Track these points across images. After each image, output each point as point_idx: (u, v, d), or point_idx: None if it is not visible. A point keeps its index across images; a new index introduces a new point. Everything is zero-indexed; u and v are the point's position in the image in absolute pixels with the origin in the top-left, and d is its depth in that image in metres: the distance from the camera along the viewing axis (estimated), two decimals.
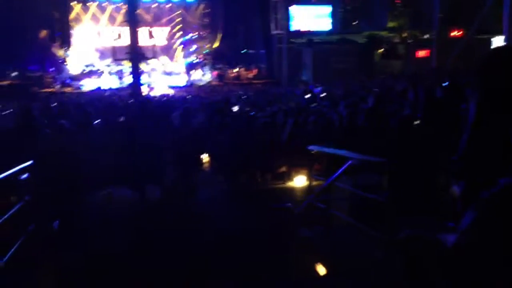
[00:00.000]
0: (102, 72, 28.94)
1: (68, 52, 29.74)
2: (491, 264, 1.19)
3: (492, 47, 27.90)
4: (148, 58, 16.64)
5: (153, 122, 9.06)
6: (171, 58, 33.56)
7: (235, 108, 14.21)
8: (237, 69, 30.49)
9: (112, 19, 31.49)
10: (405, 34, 31.43)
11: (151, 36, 26.28)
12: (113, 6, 31.06)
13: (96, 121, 10.81)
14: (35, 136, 6.95)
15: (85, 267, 4.40)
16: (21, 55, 25.97)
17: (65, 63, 29.35)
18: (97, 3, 30.81)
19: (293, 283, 4.18)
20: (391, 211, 3.45)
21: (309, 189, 5.14)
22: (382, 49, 30.81)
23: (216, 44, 32.80)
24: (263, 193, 7.28)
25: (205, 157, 10.15)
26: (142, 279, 4.33)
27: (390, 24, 30.78)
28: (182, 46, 34.14)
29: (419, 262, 2.22)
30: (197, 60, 32.52)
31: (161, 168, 7.31)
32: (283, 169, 7.88)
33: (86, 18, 31.18)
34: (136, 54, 13.26)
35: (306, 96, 16.25)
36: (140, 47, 14.50)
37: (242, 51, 32.22)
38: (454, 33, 28.83)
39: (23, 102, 16.78)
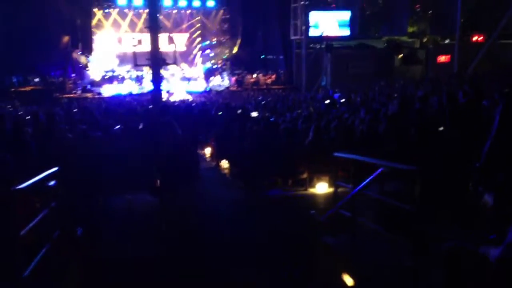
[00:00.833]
0: (123, 77, 29.28)
1: (90, 58, 30.17)
2: None
3: None
4: (168, 64, 16.72)
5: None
6: (190, 64, 33.81)
7: (254, 114, 14.19)
8: (255, 75, 30.54)
9: (132, 25, 31.89)
10: (425, 39, 31.11)
11: (170, 41, 26.45)
12: (133, 12, 31.44)
13: (117, 127, 10.90)
14: (58, 142, 7.00)
15: (109, 274, 4.40)
16: (44, 61, 26.41)
17: (86, 69, 29.79)
18: (118, 9, 31.22)
19: None
20: (422, 220, 3.36)
21: (333, 196, 5.06)
22: (402, 54, 30.53)
23: (235, 50, 32.91)
24: (285, 200, 7.20)
25: (225, 163, 10.15)
26: (166, 286, 4.31)
27: (410, 29, 30.50)
28: (201, 52, 34.36)
29: (461, 274, 2.15)
30: (216, 66, 32.68)
31: (180, 174, 7.28)
32: (305, 175, 7.79)
33: (107, 24, 31.64)
34: (156, 60, 13.31)
35: (326, 102, 16.14)
36: (161, 53, 14.55)
37: (261, 57, 32.26)
38: (476, 38, 28.41)
39: (46, 107, 17.06)
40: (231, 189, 8.48)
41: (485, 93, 8.43)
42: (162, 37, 15.82)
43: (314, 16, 27.52)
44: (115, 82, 28.74)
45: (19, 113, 13.57)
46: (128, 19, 31.85)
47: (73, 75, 28.70)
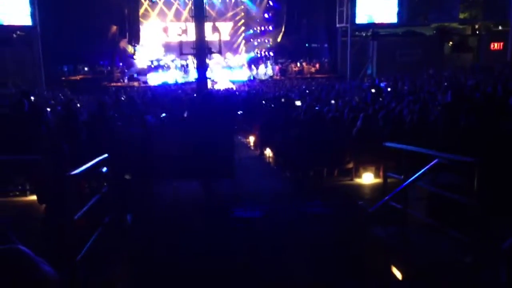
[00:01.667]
0: (168, 66, 29.71)
1: (136, 47, 30.78)
2: None
3: None
4: (213, 52, 16.84)
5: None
6: (234, 52, 33.88)
7: (298, 103, 14.07)
8: (299, 64, 30.27)
9: (178, 14, 32.26)
10: (477, 26, 29.85)
11: (215, 30, 26.59)
12: (179, 2, 31.78)
13: (162, 115, 11.05)
14: (109, 129, 7.15)
15: (160, 261, 4.48)
16: (93, 51, 27.13)
17: (133, 58, 30.42)
18: None
19: (365, 284, 4.03)
20: (479, 214, 3.21)
21: (383, 187, 4.94)
22: (452, 42, 29.44)
23: (279, 39, 32.70)
24: (333, 190, 7.12)
25: (269, 152, 10.13)
26: (213, 273, 4.34)
27: (461, 15, 29.32)
28: (245, 40, 34.36)
29: None
30: (260, 55, 32.60)
31: (228, 162, 7.31)
32: (351, 165, 7.66)
33: (154, 14, 32.14)
34: (202, 49, 13.40)
35: (372, 91, 15.80)
36: (206, 42, 14.66)
37: (305, 45, 31.91)
38: None
39: (96, 95, 17.53)
40: (276, 178, 8.45)
41: None
42: (207, 26, 15.91)
43: (361, 3, 26.87)
44: (160, 71, 29.21)
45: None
46: (173, 8, 32.25)
47: (120, 64, 29.35)
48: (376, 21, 27.36)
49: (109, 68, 28.48)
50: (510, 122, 5.93)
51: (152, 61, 30.54)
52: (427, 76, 20.82)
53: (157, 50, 32.17)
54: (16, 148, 5.94)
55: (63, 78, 26.78)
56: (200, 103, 9.42)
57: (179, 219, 5.73)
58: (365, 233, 4.39)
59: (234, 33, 34.24)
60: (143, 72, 29.47)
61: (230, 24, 33.98)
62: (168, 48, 31.84)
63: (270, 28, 33.93)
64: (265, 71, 30.48)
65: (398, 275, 3.86)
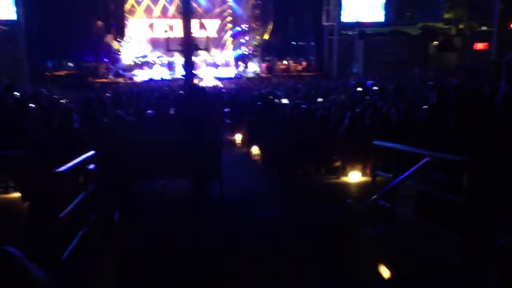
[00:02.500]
0: (154, 63, 29.51)
1: (122, 43, 30.49)
2: None
3: None
4: (200, 49, 16.75)
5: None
6: (221, 50, 33.75)
7: (285, 101, 14.08)
8: (286, 62, 30.29)
9: (165, 11, 32.01)
10: (462, 26, 30.18)
11: (202, 27, 26.45)
12: None
13: (148, 111, 10.96)
14: (95, 126, 7.07)
15: (145, 258, 4.43)
16: (78, 46, 26.83)
17: (119, 54, 30.12)
18: None
19: (355, 284, 4.04)
20: (472, 214, 3.23)
21: (372, 186, 4.94)
22: (437, 41, 29.72)
23: (266, 36, 32.66)
24: (320, 188, 7.12)
25: (257, 150, 10.10)
26: (199, 270, 4.31)
27: (446, 16, 29.62)
28: (232, 38, 34.25)
29: None
30: (247, 52, 32.53)
31: (215, 161, 7.27)
32: (338, 163, 7.67)
33: (140, 9, 31.84)
34: (189, 46, 13.29)
35: (358, 89, 15.87)
36: (193, 39, 14.54)
37: (292, 43, 31.93)
38: None
39: (80, 91, 17.33)
40: (264, 177, 8.43)
41: None
42: (194, 23, 15.79)
43: (348, 1, 27.00)
44: (146, 68, 29.02)
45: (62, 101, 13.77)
46: (160, 4, 31.98)
47: (105, 60, 29.06)
48: (363, 20, 27.52)
49: (94, 64, 28.15)
50: (497, 120, 6.00)
51: (138, 58, 30.30)
52: (413, 75, 20.99)
53: (143, 46, 31.89)
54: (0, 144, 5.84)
55: (48, 73, 26.41)
56: (191, 98, 9.36)
57: (166, 217, 5.68)
58: (356, 232, 4.39)
59: (221, 30, 34.09)
60: (129, 68, 29.24)
61: (217, 21, 33.81)
62: (154, 44, 31.57)
63: (257, 25, 33.87)
64: (252, 68, 30.46)
65: (388, 274, 3.87)
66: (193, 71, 13.85)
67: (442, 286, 3.37)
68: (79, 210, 4.10)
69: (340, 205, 5.32)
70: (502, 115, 5.98)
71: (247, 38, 34.13)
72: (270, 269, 4.34)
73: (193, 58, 14.80)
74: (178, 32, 19.21)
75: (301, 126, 8.17)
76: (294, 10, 29.82)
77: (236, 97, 16.31)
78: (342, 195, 6.28)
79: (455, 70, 22.77)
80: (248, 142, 11.11)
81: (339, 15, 26.47)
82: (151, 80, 27.09)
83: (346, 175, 7.65)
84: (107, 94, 15.70)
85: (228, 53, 33.52)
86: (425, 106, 7.90)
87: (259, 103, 12.50)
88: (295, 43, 32.12)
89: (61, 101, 13.69)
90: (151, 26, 32.08)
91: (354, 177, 7.54)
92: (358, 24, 27.72)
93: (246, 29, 34.22)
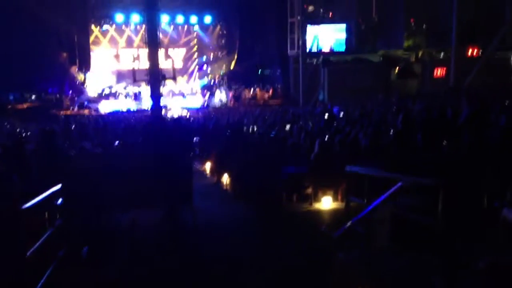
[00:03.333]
0: (120, 94, 29.29)
1: (87, 75, 30.16)
2: None
3: None
4: (167, 79, 16.72)
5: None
6: (188, 79, 33.84)
7: (254, 129, 14.14)
8: (253, 90, 30.56)
9: (130, 41, 31.95)
10: (421, 53, 31.28)
11: (167, 57, 26.51)
12: (131, 28, 31.51)
13: (116, 143, 10.80)
14: (59, 159, 6.88)
15: None
16: (41, 78, 26.38)
17: (84, 86, 29.74)
18: (115, 26, 31.28)
19: None
20: (443, 235, 3.26)
21: (346, 211, 4.95)
22: (398, 68, 30.65)
23: (232, 65, 32.97)
24: (293, 215, 7.09)
25: (227, 178, 10.03)
26: None
27: (406, 43, 30.67)
28: (198, 67, 34.41)
29: None
30: (213, 81, 32.70)
31: (184, 190, 7.16)
32: (310, 190, 7.68)
33: (105, 40, 31.68)
34: (155, 76, 13.27)
35: (326, 116, 16.10)
36: (160, 69, 14.54)
37: (258, 72, 32.31)
38: (472, 51, 28.64)
39: (42, 124, 16.92)
40: (235, 205, 8.35)
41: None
42: (160, 53, 15.81)
43: (311, 31, 27.68)
44: (112, 99, 28.75)
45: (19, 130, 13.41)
46: (125, 35, 31.92)
47: (70, 92, 28.61)
48: (326, 49, 28.23)
49: (58, 96, 27.65)
50: (460, 143, 6.16)
51: (103, 89, 30.01)
52: (377, 100, 21.49)
53: (109, 77, 31.64)
54: None
55: (9, 106, 25.77)
56: (158, 128, 9.29)
57: (137, 251, 5.51)
58: (331, 259, 4.36)
59: (187, 59, 34.24)
60: (94, 100, 28.88)
61: (183, 51, 33.98)
62: (120, 75, 31.40)
63: (223, 54, 34.19)
64: (219, 97, 30.59)
65: None
66: (160, 101, 13.80)
67: None
68: (46, 247, 3.93)
69: (313, 232, 5.29)
70: (466, 136, 6.15)
71: (213, 67, 34.38)
72: None
73: (161, 88, 14.78)
74: (144, 62, 19.19)
75: (270, 153, 8.18)
76: (259, 39, 30.30)
77: (204, 127, 16.29)
78: (315, 222, 6.26)
79: (416, 96, 23.43)
80: (217, 171, 11.03)
81: (304, 44, 27.03)
82: (117, 111, 26.80)
83: (318, 201, 7.66)
84: (73, 126, 15.42)
85: (195, 83, 33.63)
86: (391, 130, 8.06)
87: (227, 132, 12.51)
88: (261, 72, 32.52)
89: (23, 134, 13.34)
90: (116, 56, 31.93)
91: (326, 203, 7.55)
92: (322, 53, 28.39)
93: (212, 58, 34.49)
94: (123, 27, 31.47)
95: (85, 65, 29.75)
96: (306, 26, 27.25)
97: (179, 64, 32.71)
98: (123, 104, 28.27)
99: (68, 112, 25.99)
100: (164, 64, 22.77)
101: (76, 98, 28.21)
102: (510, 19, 23.91)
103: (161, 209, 6.89)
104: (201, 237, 6.24)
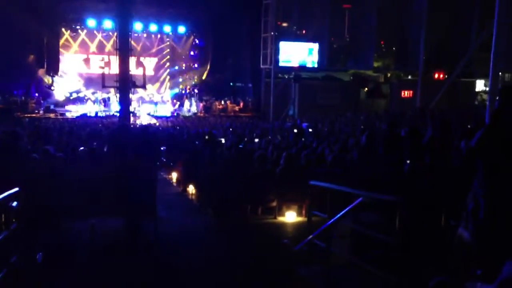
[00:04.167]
0: (88, 99, 28.82)
1: (55, 78, 29.53)
2: None
3: (476, 89, 28.77)
4: (137, 87, 16.53)
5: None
6: (158, 88, 33.61)
7: (223, 140, 14.11)
8: (223, 102, 30.60)
9: (101, 47, 31.50)
10: (389, 74, 32.09)
11: (139, 65, 26.31)
12: (103, 34, 31.12)
13: (81, 148, 10.57)
14: (21, 161, 6.70)
15: None
16: (7, 79, 25.63)
17: (51, 89, 29.11)
18: (86, 30, 30.84)
19: None
20: (400, 251, 3.31)
21: (307, 226, 4.98)
22: (367, 88, 31.31)
23: (204, 76, 32.95)
24: (257, 228, 7.07)
25: (193, 189, 9.96)
26: None
27: (376, 64, 31.41)
28: (169, 76, 34.24)
29: None
30: (184, 91, 32.59)
31: (149, 199, 7.05)
32: (275, 203, 7.70)
33: (75, 45, 31.15)
34: (125, 82, 13.10)
35: (295, 131, 16.25)
36: (130, 76, 14.37)
37: (230, 84, 32.40)
38: (438, 75, 29.59)
39: (6, 126, 16.43)
40: (200, 216, 8.29)
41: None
42: (131, 60, 15.64)
43: (284, 47, 28.01)
44: (79, 104, 28.26)
45: None
46: (96, 40, 31.47)
47: (36, 94, 27.94)
48: (298, 65, 28.59)
49: (23, 98, 26.90)
50: (421, 162, 6.31)
51: (71, 93, 29.45)
52: (346, 118, 21.84)
53: (77, 81, 31.09)
54: None
55: None
56: (120, 136, 9.17)
57: (94, 259, 5.38)
58: (290, 272, 4.36)
59: (159, 68, 34.02)
60: (61, 103, 28.29)
61: (155, 60, 33.77)
62: (89, 80, 30.87)
63: (196, 65, 34.15)
64: (189, 107, 30.48)
65: None
66: (128, 108, 13.61)
67: None
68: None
69: (275, 245, 5.29)
70: (428, 157, 6.31)
71: (185, 77, 34.27)
72: None
73: (130, 95, 14.58)
74: (114, 68, 18.95)
75: (237, 165, 8.17)
76: (232, 52, 30.43)
77: (173, 136, 16.17)
78: (278, 235, 6.27)
79: (383, 115, 23.96)
80: (184, 180, 10.95)
81: (276, 59, 27.30)
82: (84, 115, 26.33)
83: (282, 215, 7.68)
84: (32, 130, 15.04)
85: (166, 91, 33.43)
86: (356, 148, 8.20)
87: (196, 142, 12.45)
88: (232, 84, 32.62)
89: None
90: (86, 61, 31.44)
91: (290, 217, 7.58)
92: (293, 68, 28.73)
93: (184, 68, 34.40)
94: (95, 32, 31.05)
95: (53, 68, 29.13)
96: (279, 42, 27.57)
97: (150, 72, 32.45)
98: (91, 109, 27.82)
99: (33, 115, 25.34)
100: (135, 71, 22.58)
101: (42, 101, 27.56)
102: (476, 45, 24.79)
103: (122, 218, 6.75)
104: (161, 248, 6.14)
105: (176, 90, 33.35)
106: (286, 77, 29.86)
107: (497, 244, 2.77)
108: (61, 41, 30.30)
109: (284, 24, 30.50)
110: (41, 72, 28.61)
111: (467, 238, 3.19)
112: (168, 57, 34.16)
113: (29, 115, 25.23)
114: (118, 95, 14.46)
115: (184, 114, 29.50)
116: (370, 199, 3.78)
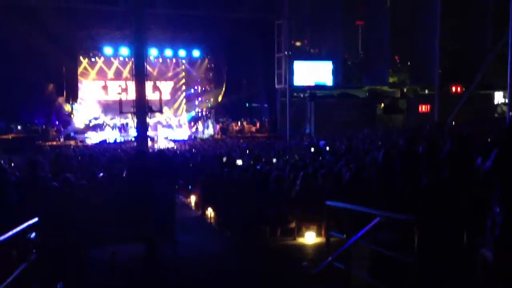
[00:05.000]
0: (107, 125, 29.24)
1: (74, 106, 30.11)
2: None
3: (494, 101, 28.39)
4: (154, 111, 16.78)
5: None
6: (175, 111, 33.97)
7: (239, 162, 14.12)
8: (240, 123, 30.72)
9: (118, 73, 32.12)
10: (405, 89, 31.90)
11: (155, 89, 26.69)
12: (120, 61, 31.73)
13: (100, 175, 10.68)
14: (41, 190, 6.78)
15: None
16: (27, 108, 26.22)
17: (70, 116, 29.65)
18: (103, 58, 31.49)
19: None
20: (420, 272, 3.25)
21: (326, 247, 4.92)
22: (383, 104, 31.14)
23: (219, 98, 33.21)
24: (275, 250, 7.02)
25: (211, 211, 9.96)
26: None
27: (391, 79, 31.28)
28: (185, 99, 34.62)
29: None
30: (201, 114, 32.86)
31: (168, 224, 7.07)
32: (293, 224, 7.64)
33: (93, 72, 31.82)
34: (142, 108, 13.32)
35: (312, 150, 16.18)
36: (147, 101, 14.62)
37: (246, 105, 32.57)
38: (455, 88, 29.31)
39: (27, 155, 16.72)
40: (219, 240, 8.26)
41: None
42: (147, 85, 15.95)
43: (298, 66, 28.11)
44: (98, 130, 28.68)
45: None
46: (113, 67, 32.10)
47: (56, 122, 28.46)
48: (313, 84, 28.62)
49: (44, 127, 27.42)
50: (440, 178, 6.21)
51: (90, 120, 29.94)
52: (363, 135, 21.69)
53: (96, 108, 31.65)
54: None
55: None
56: (139, 162, 9.23)
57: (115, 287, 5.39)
58: None
59: (175, 92, 34.44)
60: (81, 131, 28.75)
61: (171, 84, 34.22)
62: (107, 106, 31.42)
63: (211, 87, 34.49)
64: (206, 130, 30.67)
65: None
66: (146, 133, 13.79)
67: None
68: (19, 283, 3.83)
69: (295, 268, 5.24)
70: (446, 172, 6.20)
71: (200, 99, 34.61)
72: None
73: (147, 120, 14.81)
74: (131, 94, 19.27)
75: (255, 187, 8.16)
76: (246, 73, 30.67)
77: (190, 159, 16.25)
78: (298, 257, 6.21)
79: (402, 131, 23.75)
80: (202, 203, 10.96)
81: (291, 79, 27.40)
82: (103, 142, 26.68)
83: (301, 236, 7.61)
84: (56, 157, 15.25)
85: (183, 115, 33.75)
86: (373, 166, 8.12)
87: (214, 164, 12.48)
88: (248, 105, 32.78)
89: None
90: (104, 88, 32.03)
91: (310, 238, 7.51)
92: (309, 87, 28.77)
93: (200, 91, 34.75)
94: (112, 59, 31.69)
95: (72, 96, 29.71)
96: (293, 62, 27.70)
97: (167, 96, 32.89)
98: (110, 135, 28.19)
99: (54, 143, 25.78)
100: (151, 96, 22.93)
101: (62, 129, 28.05)
102: (492, 57, 24.57)
103: (141, 244, 6.77)
104: (181, 272, 6.13)
105: (193, 113, 33.65)
106: (302, 95, 29.91)
107: None
108: (80, 69, 30.98)
109: (298, 43, 30.67)
110: (60, 100, 29.17)
111: (490, 257, 3.12)
112: (184, 80, 34.61)
113: (50, 143, 25.67)
114: (135, 120, 14.71)
115: (201, 136, 29.68)
116: (387, 219, 3.73)
